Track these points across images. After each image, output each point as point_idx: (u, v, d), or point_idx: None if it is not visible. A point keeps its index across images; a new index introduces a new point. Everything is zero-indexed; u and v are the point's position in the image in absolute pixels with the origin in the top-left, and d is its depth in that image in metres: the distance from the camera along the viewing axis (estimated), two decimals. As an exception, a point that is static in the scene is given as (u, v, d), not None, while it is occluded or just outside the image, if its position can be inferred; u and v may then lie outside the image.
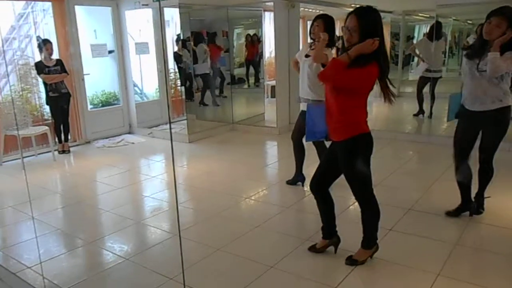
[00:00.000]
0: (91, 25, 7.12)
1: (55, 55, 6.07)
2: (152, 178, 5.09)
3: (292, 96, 7.24)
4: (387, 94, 2.70)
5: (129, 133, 7.40)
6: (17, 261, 3.11)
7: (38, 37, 6.00)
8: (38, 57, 5.98)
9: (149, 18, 7.56)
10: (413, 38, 9.39)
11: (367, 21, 2.58)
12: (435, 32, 7.08)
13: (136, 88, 7.71)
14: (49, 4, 6.24)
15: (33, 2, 6.28)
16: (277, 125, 7.07)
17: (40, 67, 5.83)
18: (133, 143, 6.82)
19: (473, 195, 3.56)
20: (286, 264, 2.95)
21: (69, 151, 6.25)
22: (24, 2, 6.23)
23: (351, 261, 2.89)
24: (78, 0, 6.44)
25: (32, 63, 6.10)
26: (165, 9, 7.19)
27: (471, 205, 3.54)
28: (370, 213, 2.82)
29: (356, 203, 2.94)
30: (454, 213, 3.58)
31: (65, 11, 6.27)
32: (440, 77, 7.05)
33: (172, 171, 5.35)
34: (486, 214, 3.56)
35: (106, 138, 7.00)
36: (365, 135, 2.68)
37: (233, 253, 3.14)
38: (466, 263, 2.95)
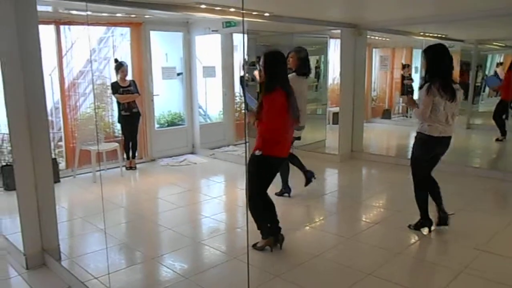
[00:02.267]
0: (163, 49, 7.52)
1: (129, 77, 6.45)
2: (212, 199, 5.17)
3: (356, 124, 7.13)
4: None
5: (192, 153, 7.61)
6: (85, 270, 3.26)
7: (115, 60, 6.41)
8: (114, 78, 6.38)
9: (217, 43, 7.85)
10: (484, 67, 8.99)
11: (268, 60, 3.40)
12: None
13: (200, 110, 7.97)
14: (127, 29, 6.68)
15: (113, 27, 6.76)
16: (339, 152, 6.96)
17: (115, 87, 6.21)
18: (195, 163, 7.00)
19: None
20: (346, 298, 2.84)
21: (135, 168, 6.54)
22: (106, 27, 6.72)
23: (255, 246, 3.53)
24: (154, 26, 6.84)
25: (108, 83, 6.52)
26: (233, 34, 7.43)
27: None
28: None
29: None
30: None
31: (141, 35, 6.68)
32: None
33: (231, 193, 5.41)
34: None
35: (170, 157, 7.24)
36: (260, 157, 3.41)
37: (292, 281, 3.08)
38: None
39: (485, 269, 3.21)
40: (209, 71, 7.64)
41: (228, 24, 6.53)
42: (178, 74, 7.45)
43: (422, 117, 3.62)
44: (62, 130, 6.16)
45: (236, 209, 4.87)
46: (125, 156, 6.49)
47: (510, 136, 7.09)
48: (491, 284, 3.02)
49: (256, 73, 4.16)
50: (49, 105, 6.07)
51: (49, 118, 6.00)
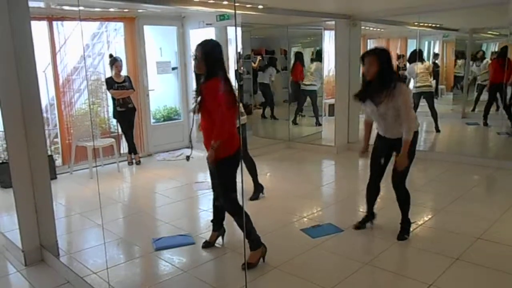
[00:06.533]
0: (157, 43, 7.48)
1: (124, 72, 6.42)
2: (210, 193, 5.16)
3: (352, 115, 7.14)
4: None
5: (189, 147, 7.60)
6: (83, 265, 3.28)
7: (110, 55, 6.38)
8: (108, 74, 6.35)
9: (211, 37, 7.80)
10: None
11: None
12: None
13: (196, 104, 7.93)
14: (121, 24, 6.65)
15: (106, 22, 6.72)
16: (335, 144, 6.98)
17: (109, 83, 6.19)
18: (192, 157, 6.98)
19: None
20: (345, 287, 2.87)
21: (139, 162, 6.53)
22: (99, 22, 6.67)
23: (248, 265, 3.11)
24: (147, 20, 6.80)
25: (103, 79, 6.49)
26: (228, 28, 7.40)
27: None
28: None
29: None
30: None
31: (135, 30, 6.65)
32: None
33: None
34: None
35: (167, 151, 7.25)
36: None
37: (290, 272, 3.10)
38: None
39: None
40: (204, 65, 7.60)
41: (222, 17, 6.50)
42: (173, 69, 7.43)
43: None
44: (57, 126, 6.15)
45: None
46: (126, 150, 6.52)
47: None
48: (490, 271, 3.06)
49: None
50: (44, 102, 6.03)
51: (44, 115, 5.97)
